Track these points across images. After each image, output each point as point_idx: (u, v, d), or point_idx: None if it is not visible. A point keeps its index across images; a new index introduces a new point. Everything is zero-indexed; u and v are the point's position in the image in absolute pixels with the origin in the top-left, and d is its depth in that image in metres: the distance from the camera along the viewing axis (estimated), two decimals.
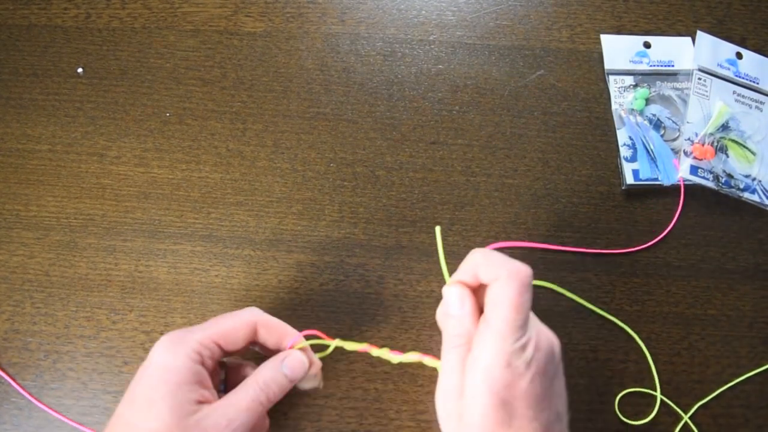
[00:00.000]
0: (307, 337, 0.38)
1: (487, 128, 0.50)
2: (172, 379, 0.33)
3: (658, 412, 0.42)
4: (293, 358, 0.37)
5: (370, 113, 0.50)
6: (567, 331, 0.44)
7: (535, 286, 0.45)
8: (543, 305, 0.45)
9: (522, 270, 0.33)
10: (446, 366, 0.34)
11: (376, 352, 0.38)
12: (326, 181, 0.48)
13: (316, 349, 0.39)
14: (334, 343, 0.38)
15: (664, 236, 0.47)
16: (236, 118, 0.50)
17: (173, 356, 0.34)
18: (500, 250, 0.36)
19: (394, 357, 0.38)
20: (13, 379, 0.43)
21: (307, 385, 0.39)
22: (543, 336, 0.33)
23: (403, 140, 0.49)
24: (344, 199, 0.48)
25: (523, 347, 0.32)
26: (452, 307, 0.35)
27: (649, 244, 0.46)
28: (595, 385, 0.43)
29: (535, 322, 0.34)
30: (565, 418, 0.34)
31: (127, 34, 0.52)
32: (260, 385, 0.35)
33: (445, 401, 0.34)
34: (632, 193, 0.48)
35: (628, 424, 0.42)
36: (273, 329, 0.38)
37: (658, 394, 0.43)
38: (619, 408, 0.43)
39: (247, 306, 0.44)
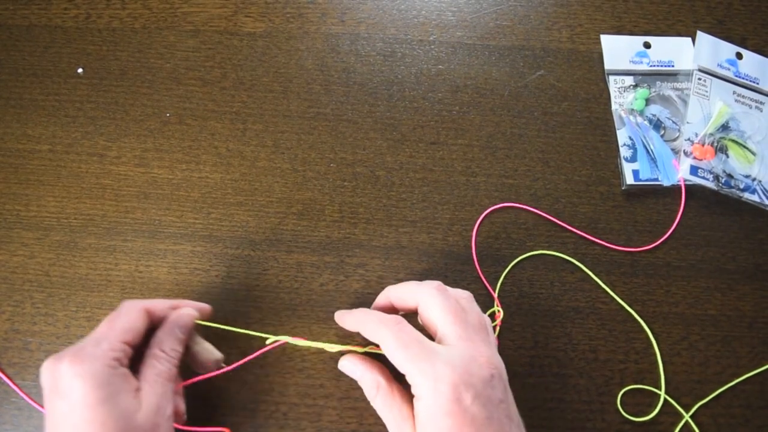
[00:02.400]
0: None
1: (487, 128, 0.50)
2: (109, 396, 0.33)
3: (659, 411, 0.42)
4: (181, 313, 0.39)
5: (370, 113, 0.50)
6: (567, 331, 0.44)
7: (541, 285, 0.45)
8: (544, 305, 0.45)
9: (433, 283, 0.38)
10: (380, 412, 0.37)
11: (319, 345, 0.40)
12: (326, 181, 0.48)
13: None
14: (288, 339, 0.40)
15: (667, 237, 0.47)
16: (236, 118, 0.50)
17: (94, 373, 0.34)
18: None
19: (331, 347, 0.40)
20: (13, 380, 0.43)
21: (206, 355, 0.40)
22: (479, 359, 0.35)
23: (403, 140, 0.49)
24: (344, 199, 0.48)
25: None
26: (354, 374, 0.39)
27: (655, 244, 0.46)
28: (595, 385, 0.43)
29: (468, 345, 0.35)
30: None
31: (127, 34, 0.52)
32: (162, 356, 0.37)
33: None
34: (632, 193, 0.48)
35: (628, 422, 0.42)
36: (157, 306, 0.39)
37: (662, 392, 0.43)
38: (619, 407, 0.43)
39: (246, 306, 0.44)
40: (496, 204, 0.47)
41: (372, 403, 0.38)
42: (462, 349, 0.35)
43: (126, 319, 0.37)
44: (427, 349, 0.35)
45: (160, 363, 0.37)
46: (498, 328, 0.44)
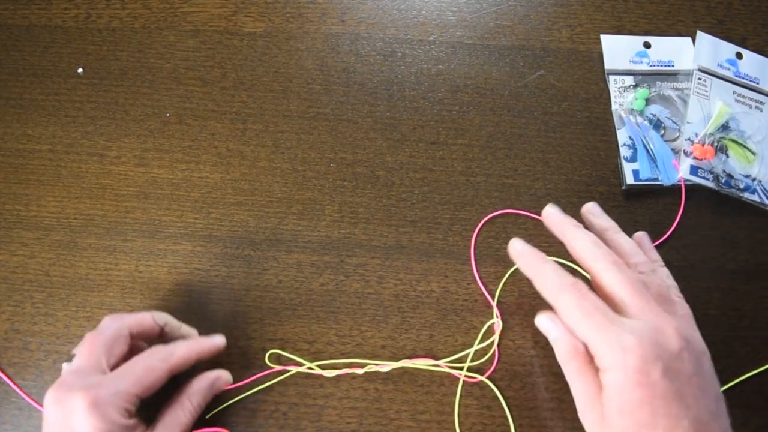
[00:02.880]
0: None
1: (487, 128, 0.50)
2: None
3: None
4: (221, 377, 0.41)
5: (370, 113, 0.50)
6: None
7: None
8: (544, 305, 0.45)
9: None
10: (572, 383, 0.35)
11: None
12: (326, 181, 0.48)
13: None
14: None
15: (667, 237, 0.47)
16: (236, 118, 0.50)
17: (109, 420, 0.34)
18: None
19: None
20: (13, 380, 0.43)
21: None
22: (668, 331, 0.33)
23: (403, 140, 0.49)
24: (344, 199, 0.48)
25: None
26: (550, 333, 0.37)
27: (655, 244, 0.46)
28: None
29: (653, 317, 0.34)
30: (720, 418, 0.33)
31: (127, 34, 0.52)
32: (188, 407, 0.39)
33: (583, 412, 0.35)
34: (632, 193, 0.48)
35: None
36: (179, 349, 0.39)
37: None
38: None
39: (246, 306, 0.44)
40: (496, 204, 0.47)
41: (564, 366, 0.36)
42: (647, 321, 0.34)
43: (150, 375, 0.37)
44: (611, 318, 0.34)
45: (184, 414, 0.38)
46: (497, 338, 0.44)
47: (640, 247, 0.40)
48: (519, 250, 0.39)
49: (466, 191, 0.48)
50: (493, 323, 0.44)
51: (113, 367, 0.37)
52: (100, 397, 0.34)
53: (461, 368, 0.43)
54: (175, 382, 0.39)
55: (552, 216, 0.40)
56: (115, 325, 0.38)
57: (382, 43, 0.52)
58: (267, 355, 0.43)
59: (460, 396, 0.42)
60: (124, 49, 0.52)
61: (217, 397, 0.41)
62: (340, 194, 0.48)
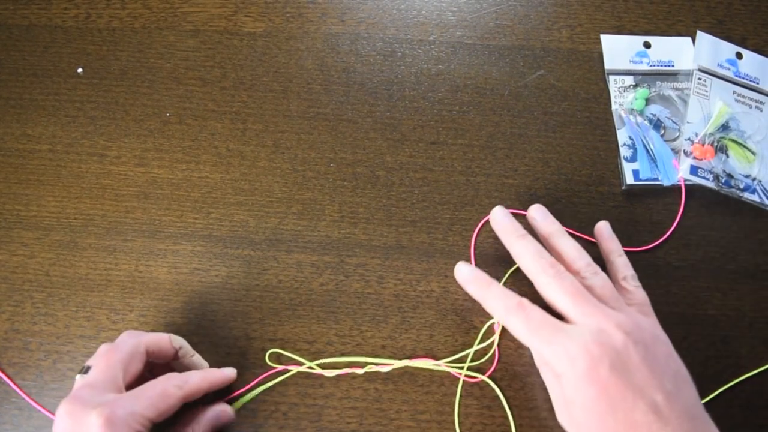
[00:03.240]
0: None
1: (487, 128, 0.50)
2: None
3: None
4: (227, 412, 0.41)
5: (370, 113, 0.50)
6: None
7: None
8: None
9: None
10: (546, 385, 0.39)
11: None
12: (326, 181, 0.48)
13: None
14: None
15: (667, 237, 0.47)
16: (236, 118, 0.50)
17: None
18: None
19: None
20: (13, 380, 0.43)
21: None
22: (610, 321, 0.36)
23: (403, 140, 0.49)
24: (344, 199, 0.48)
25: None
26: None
27: (655, 243, 0.46)
28: None
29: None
30: (681, 393, 0.35)
31: (127, 34, 0.52)
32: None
33: (558, 414, 0.38)
34: (632, 193, 0.48)
35: None
36: (193, 379, 0.39)
37: None
38: None
39: (246, 306, 0.44)
40: (496, 204, 0.47)
41: (541, 374, 0.39)
42: (588, 324, 0.36)
43: (165, 401, 0.36)
44: (556, 329, 0.37)
45: None
46: (497, 338, 0.44)
47: (600, 237, 0.43)
48: (465, 277, 0.42)
49: (466, 191, 0.48)
50: (494, 323, 0.44)
51: (128, 385, 0.37)
52: (116, 416, 0.34)
53: (461, 368, 0.43)
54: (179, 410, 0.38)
55: (498, 222, 0.43)
56: (133, 342, 0.38)
57: (382, 43, 0.52)
58: (267, 354, 0.43)
59: (460, 396, 0.42)
60: (124, 49, 0.52)
61: (221, 398, 0.41)
62: (340, 194, 0.48)
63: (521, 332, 0.38)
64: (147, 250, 0.46)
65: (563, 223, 0.47)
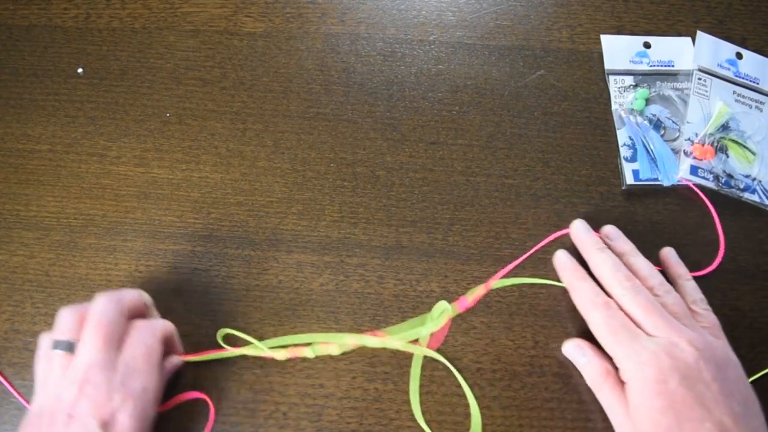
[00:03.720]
0: None
1: (487, 128, 0.50)
2: None
3: None
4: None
5: (370, 113, 0.50)
6: (567, 331, 0.44)
7: (541, 285, 0.45)
8: (543, 305, 0.45)
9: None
10: (605, 403, 0.39)
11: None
12: (326, 181, 0.48)
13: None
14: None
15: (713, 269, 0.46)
16: (236, 118, 0.50)
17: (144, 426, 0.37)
18: None
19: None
20: (13, 379, 0.43)
21: None
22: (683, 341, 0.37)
23: (403, 140, 0.49)
24: (344, 199, 0.48)
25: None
26: (578, 359, 0.41)
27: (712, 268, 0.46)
28: None
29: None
30: (748, 418, 0.36)
31: (127, 34, 0.52)
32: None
33: (618, 427, 0.38)
34: (632, 193, 0.48)
35: None
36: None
37: None
38: None
39: (246, 306, 0.44)
40: (496, 204, 0.47)
41: (595, 388, 0.40)
42: (662, 337, 0.37)
43: (154, 359, 0.38)
44: (633, 335, 0.38)
45: None
46: (446, 322, 0.44)
47: (667, 263, 0.44)
48: (562, 263, 0.44)
49: (466, 191, 0.48)
50: (446, 306, 0.44)
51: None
52: (143, 404, 0.36)
53: (412, 344, 0.43)
54: None
55: (578, 235, 0.45)
56: (116, 309, 0.38)
57: (382, 43, 0.52)
58: (221, 335, 0.43)
59: (421, 373, 0.43)
60: (124, 49, 0.52)
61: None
62: (340, 194, 0.48)
63: (600, 328, 0.39)
64: (147, 250, 0.46)
65: (563, 223, 0.47)
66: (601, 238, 0.44)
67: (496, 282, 0.45)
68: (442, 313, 0.43)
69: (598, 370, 0.40)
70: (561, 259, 0.44)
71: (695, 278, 0.44)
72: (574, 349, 0.42)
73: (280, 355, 0.42)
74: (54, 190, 0.48)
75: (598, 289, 0.41)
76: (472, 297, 0.44)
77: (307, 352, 0.42)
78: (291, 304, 0.45)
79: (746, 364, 0.44)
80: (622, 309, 0.40)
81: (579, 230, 0.44)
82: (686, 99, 0.50)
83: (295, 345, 0.43)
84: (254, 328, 0.44)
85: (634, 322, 0.39)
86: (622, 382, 0.38)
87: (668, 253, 0.44)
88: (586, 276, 0.42)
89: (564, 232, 0.45)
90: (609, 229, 0.45)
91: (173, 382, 0.42)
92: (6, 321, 0.44)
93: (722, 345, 0.39)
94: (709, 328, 0.40)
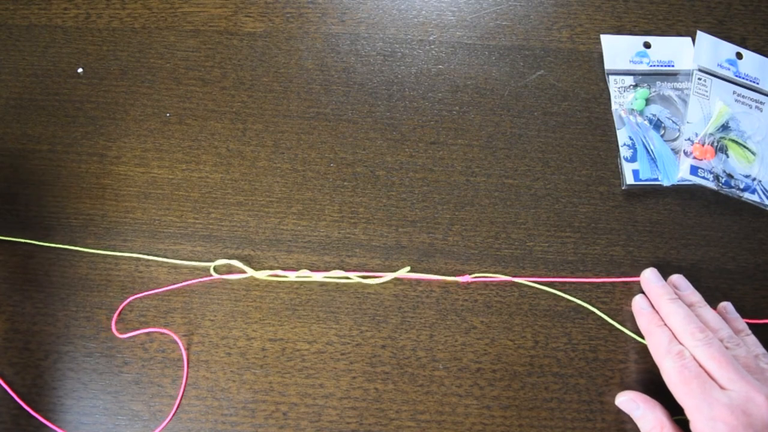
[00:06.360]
0: None
1: (487, 128, 0.50)
2: None
3: None
4: None
5: (370, 113, 0.50)
6: (567, 331, 0.44)
7: (540, 290, 0.45)
8: (543, 305, 0.45)
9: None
10: None
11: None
12: (326, 181, 0.48)
13: None
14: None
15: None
16: (236, 118, 0.50)
17: None
18: None
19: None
20: (13, 379, 0.43)
21: None
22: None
23: (403, 140, 0.49)
24: (344, 199, 0.48)
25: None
26: (634, 412, 0.41)
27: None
28: (595, 385, 0.43)
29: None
30: None
31: (127, 34, 0.52)
32: None
33: None
34: (632, 193, 0.48)
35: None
36: None
37: None
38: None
39: (246, 306, 0.44)
40: (496, 204, 0.47)
41: None
42: (737, 390, 0.37)
43: None
44: (706, 387, 0.37)
45: None
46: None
47: (726, 317, 0.43)
48: (641, 309, 0.44)
49: (466, 191, 0.48)
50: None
51: None
52: None
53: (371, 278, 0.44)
54: None
55: (650, 284, 0.44)
56: None
57: (382, 43, 0.52)
58: (213, 266, 0.45)
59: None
60: (124, 49, 0.52)
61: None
62: (340, 194, 0.48)
63: (673, 377, 0.39)
64: (147, 250, 0.46)
65: (563, 223, 0.47)
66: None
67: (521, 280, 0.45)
68: None
69: (653, 422, 0.39)
70: (639, 304, 0.44)
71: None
72: (628, 403, 0.41)
73: (261, 274, 0.44)
74: (54, 190, 0.48)
75: (673, 337, 0.41)
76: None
77: (290, 276, 0.44)
78: (291, 304, 0.45)
79: None
80: (695, 360, 0.39)
81: (650, 280, 0.44)
82: (686, 99, 0.50)
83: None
84: (254, 328, 0.44)
85: (709, 375, 0.38)
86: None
87: (726, 308, 0.44)
88: (662, 324, 0.42)
89: (634, 279, 0.46)
90: (677, 280, 0.44)
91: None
92: (6, 321, 0.44)
93: None
94: None
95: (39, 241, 0.46)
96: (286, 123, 0.50)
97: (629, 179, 0.47)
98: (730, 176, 0.47)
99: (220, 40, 0.52)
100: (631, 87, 0.50)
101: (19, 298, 0.45)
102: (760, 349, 0.41)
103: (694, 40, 0.52)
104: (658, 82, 0.51)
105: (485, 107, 0.50)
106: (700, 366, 0.39)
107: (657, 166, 0.48)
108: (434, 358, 0.43)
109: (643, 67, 0.51)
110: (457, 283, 0.45)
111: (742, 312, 0.45)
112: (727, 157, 0.48)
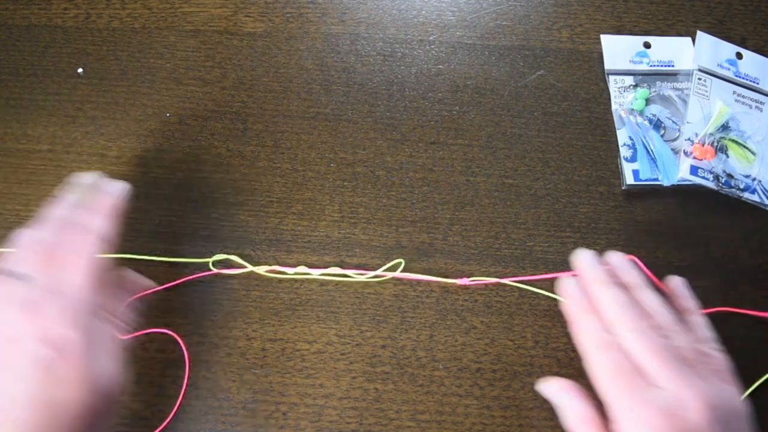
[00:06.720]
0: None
1: (487, 128, 0.50)
2: None
3: None
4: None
5: (370, 113, 0.50)
6: (567, 331, 0.44)
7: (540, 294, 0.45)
8: (543, 305, 0.45)
9: None
10: None
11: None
12: (326, 181, 0.48)
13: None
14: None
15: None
16: (236, 118, 0.50)
17: None
18: None
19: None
20: None
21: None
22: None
23: (403, 140, 0.49)
24: (344, 199, 0.48)
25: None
26: (559, 400, 0.37)
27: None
28: None
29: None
30: None
31: (127, 34, 0.52)
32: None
33: None
34: (632, 193, 0.48)
35: None
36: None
37: None
38: None
39: (246, 306, 0.44)
40: (496, 204, 0.47)
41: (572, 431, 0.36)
42: (671, 391, 0.33)
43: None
44: (637, 384, 0.33)
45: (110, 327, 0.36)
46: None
47: (675, 293, 0.39)
48: (568, 291, 0.39)
49: (466, 191, 0.48)
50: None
51: None
52: (92, 313, 0.34)
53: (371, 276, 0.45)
54: None
55: (583, 265, 0.39)
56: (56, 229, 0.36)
57: (382, 43, 0.52)
58: (211, 261, 0.45)
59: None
60: (124, 49, 0.52)
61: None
62: (340, 194, 0.48)
63: (602, 372, 0.35)
64: (147, 250, 0.46)
65: (563, 223, 0.47)
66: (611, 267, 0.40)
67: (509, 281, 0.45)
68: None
69: (579, 413, 0.36)
70: (566, 286, 0.39)
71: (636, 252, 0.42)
72: (554, 389, 0.38)
73: (261, 269, 0.44)
74: (54, 190, 0.48)
75: (605, 326, 0.36)
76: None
77: (288, 271, 0.44)
78: (291, 304, 0.45)
79: (747, 364, 0.44)
80: (628, 352, 0.35)
81: (583, 261, 0.39)
82: (686, 99, 0.50)
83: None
84: (254, 328, 0.44)
85: (641, 370, 0.34)
86: (605, 423, 0.34)
87: (677, 284, 0.40)
88: (593, 310, 0.37)
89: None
90: (615, 258, 0.40)
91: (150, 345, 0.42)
92: None
93: (733, 395, 0.34)
94: (720, 372, 0.35)
95: None
96: (286, 123, 0.50)
97: (629, 179, 0.47)
98: (730, 176, 0.47)
99: (220, 40, 0.52)
100: (631, 87, 0.50)
101: None
102: (708, 333, 0.37)
103: (694, 40, 0.52)
104: (658, 82, 0.51)
105: (485, 107, 0.50)
106: (633, 360, 0.34)
107: (657, 166, 0.48)
108: (434, 358, 0.43)
109: (643, 67, 0.51)
110: (455, 284, 0.45)
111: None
112: (727, 157, 0.48)
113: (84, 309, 0.33)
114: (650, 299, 0.37)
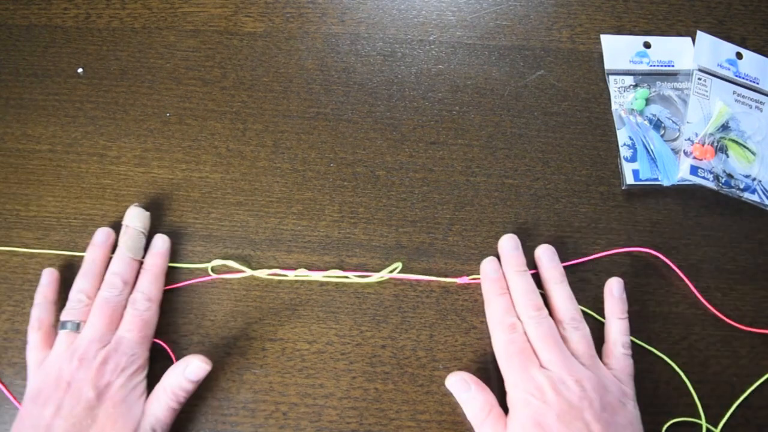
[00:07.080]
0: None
1: (487, 128, 0.50)
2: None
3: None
4: (194, 365, 0.40)
5: (370, 113, 0.50)
6: None
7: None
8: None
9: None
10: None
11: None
12: (326, 181, 0.48)
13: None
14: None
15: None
16: (236, 118, 0.50)
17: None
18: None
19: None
20: (13, 379, 0.43)
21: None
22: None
23: (403, 140, 0.49)
24: (344, 199, 0.48)
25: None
26: (461, 394, 0.41)
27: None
28: None
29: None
30: None
31: (127, 34, 0.52)
32: (169, 394, 0.39)
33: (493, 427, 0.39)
34: (632, 193, 0.48)
35: None
36: None
37: (697, 402, 0.43)
38: None
39: (246, 306, 0.44)
40: (496, 204, 0.47)
41: (477, 427, 0.40)
42: (555, 371, 0.38)
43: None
44: (527, 364, 0.39)
45: (160, 406, 0.40)
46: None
47: (608, 294, 0.43)
48: (487, 273, 0.44)
49: (466, 191, 0.48)
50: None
51: None
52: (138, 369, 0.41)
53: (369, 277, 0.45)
54: None
55: (504, 251, 0.44)
56: (120, 290, 0.42)
57: (382, 43, 0.52)
58: (210, 267, 0.45)
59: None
60: (124, 49, 0.52)
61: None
62: (340, 194, 0.48)
63: (499, 348, 0.40)
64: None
65: (563, 223, 0.47)
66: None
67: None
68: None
69: (480, 405, 0.39)
70: (487, 268, 0.44)
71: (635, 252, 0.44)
72: (458, 384, 0.41)
73: (261, 272, 0.44)
74: (54, 190, 0.48)
75: (511, 309, 0.41)
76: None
77: (289, 275, 0.44)
78: (291, 304, 0.45)
79: (746, 363, 0.44)
80: (526, 336, 0.40)
81: (505, 247, 0.44)
82: (686, 99, 0.50)
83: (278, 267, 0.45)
84: (254, 328, 0.44)
85: (534, 352, 0.39)
86: (503, 417, 0.39)
87: (614, 286, 0.43)
88: (505, 293, 0.42)
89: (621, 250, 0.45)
90: (542, 251, 0.44)
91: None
92: (6, 321, 0.44)
93: (620, 390, 0.39)
94: (617, 371, 0.40)
95: (39, 241, 0.46)
96: (286, 123, 0.50)
97: (629, 179, 0.47)
98: (730, 176, 0.47)
99: (220, 40, 0.52)
100: (631, 87, 0.50)
101: (19, 298, 0.45)
102: (624, 338, 0.41)
103: (694, 40, 0.52)
104: (658, 82, 0.51)
105: (485, 107, 0.50)
106: (528, 342, 0.40)
107: (657, 166, 0.48)
108: (434, 358, 0.43)
109: (643, 67, 0.51)
110: (456, 283, 0.45)
111: (742, 312, 0.45)
112: (727, 157, 0.48)
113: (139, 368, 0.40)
114: (561, 295, 0.42)
